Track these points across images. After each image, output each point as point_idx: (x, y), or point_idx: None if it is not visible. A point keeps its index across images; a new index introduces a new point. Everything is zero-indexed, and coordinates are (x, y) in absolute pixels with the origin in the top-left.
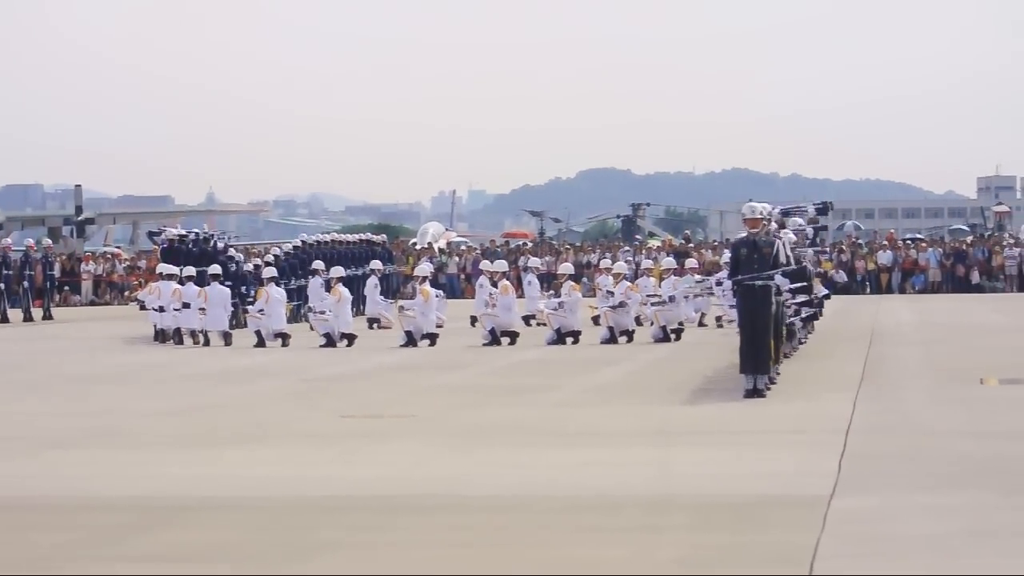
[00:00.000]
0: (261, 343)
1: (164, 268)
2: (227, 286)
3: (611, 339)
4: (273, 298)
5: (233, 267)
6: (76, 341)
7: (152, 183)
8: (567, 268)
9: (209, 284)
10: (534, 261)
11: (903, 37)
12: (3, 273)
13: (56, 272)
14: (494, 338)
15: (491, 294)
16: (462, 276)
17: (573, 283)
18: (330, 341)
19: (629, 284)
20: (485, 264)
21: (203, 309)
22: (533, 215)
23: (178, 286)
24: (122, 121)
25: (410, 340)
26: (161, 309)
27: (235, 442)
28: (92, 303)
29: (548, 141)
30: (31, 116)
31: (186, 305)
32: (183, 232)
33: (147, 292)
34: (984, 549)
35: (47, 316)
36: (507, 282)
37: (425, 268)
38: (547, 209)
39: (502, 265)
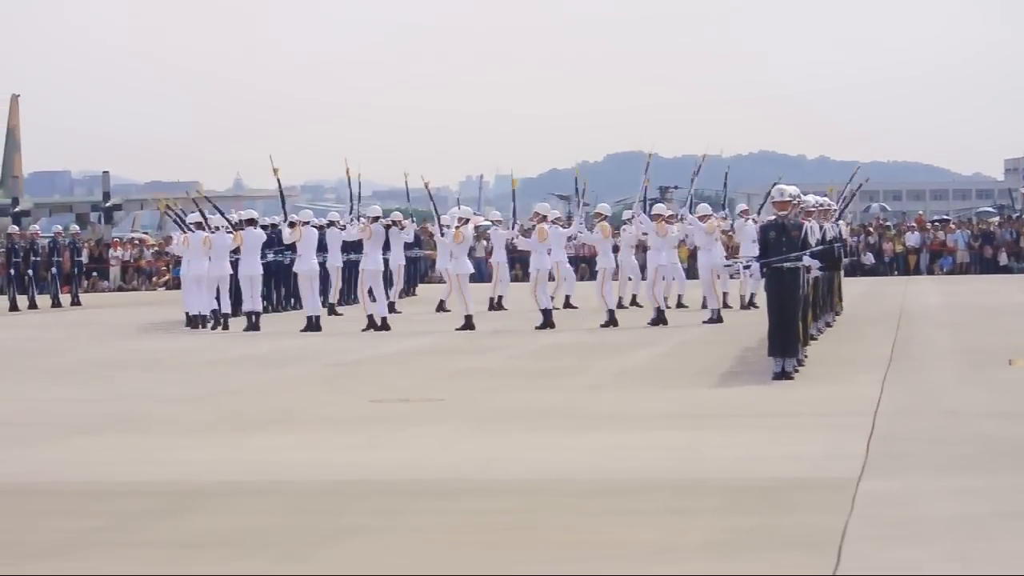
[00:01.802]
0: (315, 326)
1: (193, 217)
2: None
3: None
4: (376, 234)
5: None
6: (104, 327)
7: (179, 169)
8: (604, 208)
9: (243, 228)
10: (554, 212)
11: (931, 15)
12: (31, 260)
13: (84, 258)
14: (546, 320)
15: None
16: (489, 260)
17: (606, 223)
18: (372, 324)
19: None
20: (494, 214)
21: (236, 251)
22: (561, 199)
23: (208, 234)
24: (149, 108)
25: (468, 324)
26: (186, 295)
27: (261, 427)
28: (120, 289)
29: (575, 125)
30: (58, 103)
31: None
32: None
33: (179, 243)
34: (1012, 531)
35: (75, 302)
36: (545, 226)
37: (467, 210)
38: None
39: (543, 208)
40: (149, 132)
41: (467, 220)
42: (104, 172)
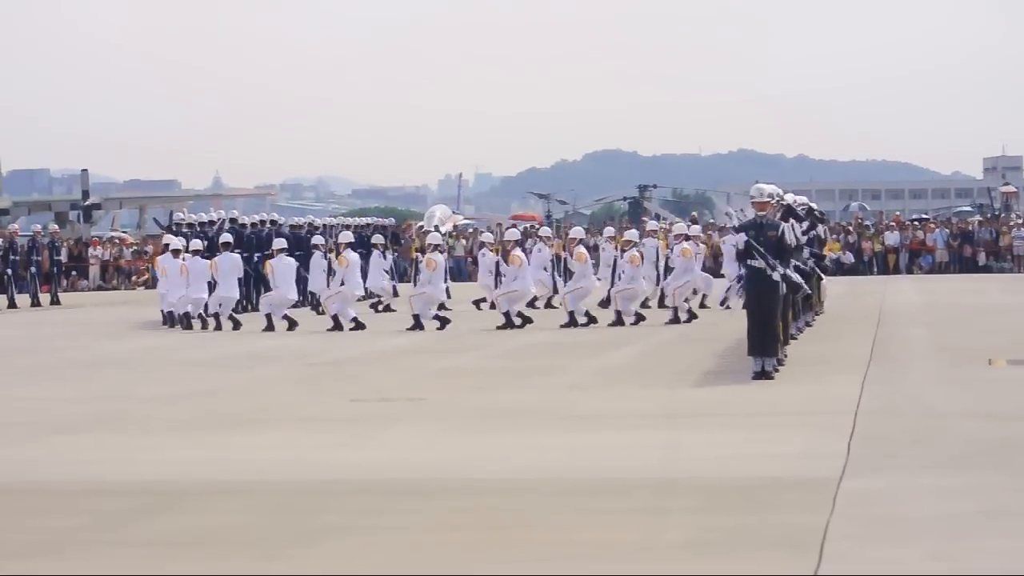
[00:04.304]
0: (270, 327)
1: (170, 240)
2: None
3: (618, 322)
4: (352, 263)
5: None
6: (83, 326)
7: (159, 168)
8: (578, 232)
9: (220, 253)
10: (545, 230)
11: (910, 15)
12: (10, 259)
13: (63, 257)
14: (508, 321)
15: (497, 264)
16: (469, 259)
17: (583, 249)
18: (337, 325)
19: (635, 253)
20: (487, 236)
21: (212, 283)
22: (540, 198)
23: (184, 262)
24: (128, 106)
25: (417, 324)
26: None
27: (242, 426)
28: (99, 288)
29: (554, 124)
30: (37, 101)
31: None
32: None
33: (159, 271)
34: (993, 530)
35: (54, 301)
36: (518, 252)
37: (435, 236)
38: (554, 191)
39: (513, 234)
40: (128, 130)
41: (438, 247)
42: (83, 170)
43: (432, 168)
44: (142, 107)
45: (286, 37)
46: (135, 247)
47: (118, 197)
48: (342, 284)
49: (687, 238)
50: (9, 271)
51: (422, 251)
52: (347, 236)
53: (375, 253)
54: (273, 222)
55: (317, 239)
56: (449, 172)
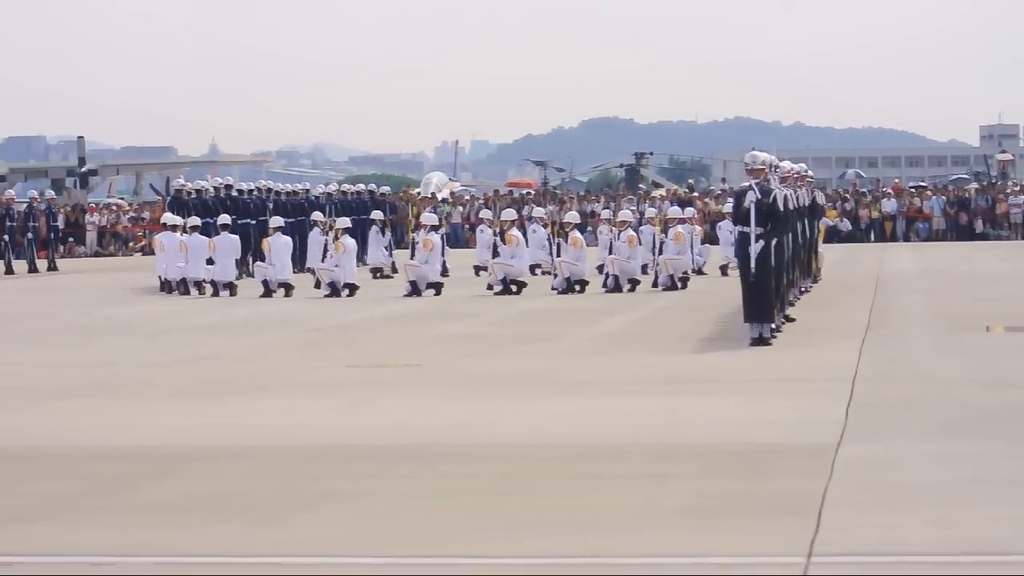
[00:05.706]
0: (267, 293)
1: (168, 218)
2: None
3: (616, 287)
4: (349, 249)
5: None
6: (80, 292)
7: (155, 134)
8: (573, 217)
9: (219, 234)
10: (539, 211)
11: None
12: (7, 225)
13: (60, 224)
14: (505, 287)
15: (496, 244)
16: (466, 226)
17: (578, 232)
18: (334, 291)
19: (631, 233)
20: (485, 213)
21: (211, 260)
22: (536, 165)
23: (183, 238)
24: (125, 72)
25: (414, 290)
26: (158, 261)
27: (240, 392)
28: (96, 254)
29: (551, 90)
30: (33, 67)
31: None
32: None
33: (157, 248)
34: (990, 496)
35: (51, 267)
36: (515, 232)
37: (431, 217)
38: (550, 159)
39: (510, 214)
40: (124, 96)
41: (436, 227)
42: (79, 137)
43: (428, 135)
44: (138, 73)
45: (282, 3)
46: (132, 213)
47: (114, 164)
48: (336, 267)
49: (681, 221)
50: (6, 238)
51: (418, 218)
52: (344, 222)
53: (374, 229)
54: (269, 189)
55: (317, 215)
56: (445, 139)
